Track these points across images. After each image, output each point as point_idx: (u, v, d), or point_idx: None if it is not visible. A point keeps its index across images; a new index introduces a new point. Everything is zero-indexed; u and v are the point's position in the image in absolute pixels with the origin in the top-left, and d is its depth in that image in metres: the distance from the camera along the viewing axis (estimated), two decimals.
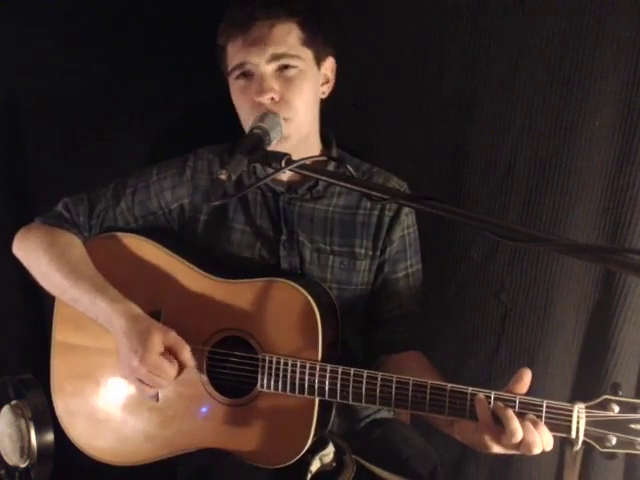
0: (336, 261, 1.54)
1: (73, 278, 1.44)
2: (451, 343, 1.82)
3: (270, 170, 1.21)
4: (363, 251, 1.55)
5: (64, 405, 1.53)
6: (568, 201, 1.62)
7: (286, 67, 1.42)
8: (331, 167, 1.50)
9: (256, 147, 1.21)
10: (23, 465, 1.59)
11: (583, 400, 1.21)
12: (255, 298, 1.41)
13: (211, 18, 1.61)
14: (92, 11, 1.82)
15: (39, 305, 1.93)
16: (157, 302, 1.46)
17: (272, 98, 1.40)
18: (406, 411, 1.32)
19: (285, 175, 1.53)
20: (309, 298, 1.37)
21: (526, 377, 1.25)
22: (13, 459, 1.60)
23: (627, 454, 1.20)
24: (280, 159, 1.18)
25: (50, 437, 1.57)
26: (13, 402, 1.60)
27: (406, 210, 1.57)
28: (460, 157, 1.74)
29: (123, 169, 1.60)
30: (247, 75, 1.43)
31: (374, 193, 1.15)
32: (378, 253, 1.56)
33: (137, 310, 1.40)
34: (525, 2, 1.59)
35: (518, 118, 1.65)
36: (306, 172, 1.20)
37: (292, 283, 1.39)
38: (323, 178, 1.22)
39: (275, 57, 1.40)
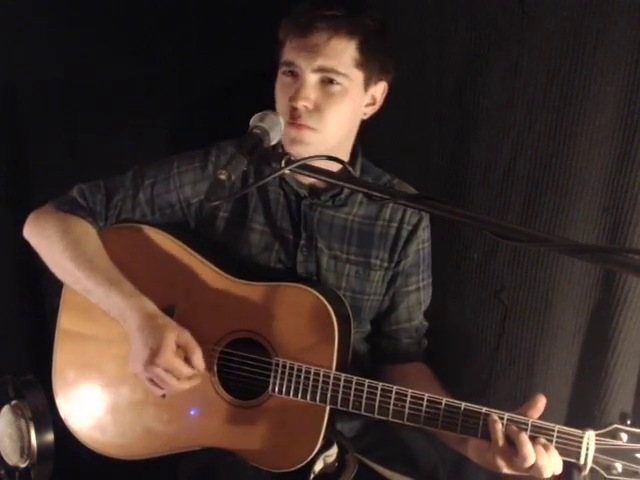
0: (352, 270, 1.54)
1: (88, 269, 1.42)
2: (451, 343, 1.82)
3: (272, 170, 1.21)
4: (378, 262, 1.55)
5: (65, 393, 1.52)
6: (568, 201, 1.62)
7: (331, 81, 1.40)
8: (357, 172, 1.51)
9: (256, 147, 1.21)
10: (23, 465, 1.58)
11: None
12: (272, 301, 1.41)
13: (211, 15, 1.61)
14: (92, 10, 1.82)
15: (39, 305, 1.93)
16: (171, 297, 1.45)
17: (305, 106, 1.39)
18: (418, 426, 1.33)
19: (308, 179, 1.52)
20: (328, 307, 1.37)
21: (540, 403, 1.26)
22: (13, 459, 1.60)
23: None
24: (280, 159, 1.18)
25: (50, 437, 1.57)
26: (13, 402, 1.60)
27: (423, 225, 1.58)
28: (460, 157, 1.74)
29: (123, 169, 1.60)
30: (293, 74, 1.42)
31: (374, 193, 1.15)
32: (393, 265, 1.57)
33: (152, 307, 1.39)
34: (525, 2, 1.59)
35: (518, 118, 1.64)
36: (307, 172, 1.20)
37: (311, 289, 1.39)
38: (324, 178, 1.22)
39: (322, 69, 1.39)
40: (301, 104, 1.39)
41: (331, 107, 1.40)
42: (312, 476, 1.39)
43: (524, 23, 1.60)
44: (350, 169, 1.21)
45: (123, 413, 1.48)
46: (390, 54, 1.49)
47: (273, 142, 1.27)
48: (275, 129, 1.28)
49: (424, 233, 1.59)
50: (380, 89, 1.51)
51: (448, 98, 1.73)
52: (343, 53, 1.39)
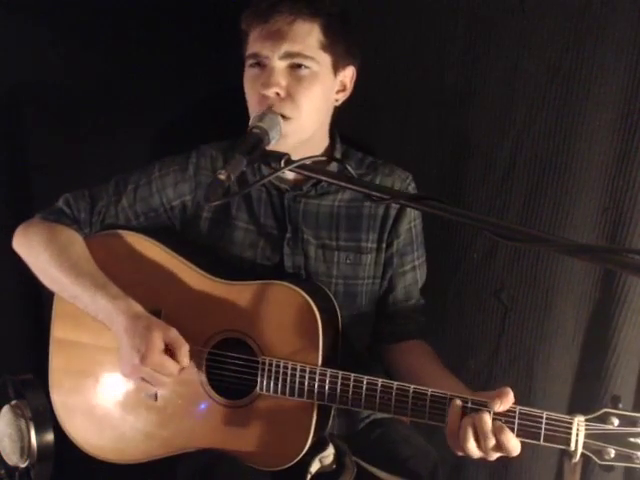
0: (342, 256, 1.53)
1: (73, 275, 1.43)
2: (451, 343, 1.82)
3: (270, 170, 1.21)
4: (369, 244, 1.54)
5: (62, 401, 1.53)
6: (568, 201, 1.62)
7: (299, 66, 1.39)
8: (333, 166, 1.49)
9: (255, 147, 1.21)
10: (23, 465, 1.58)
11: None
12: (256, 300, 1.41)
13: (211, 16, 1.60)
14: (92, 10, 1.82)
15: (38, 304, 1.93)
16: (157, 302, 1.45)
17: (277, 93, 1.38)
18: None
19: (290, 173, 1.51)
20: (310, 302, 1.37)
21: (505, 398, 1.22)
22: (13, 459, 1.60)
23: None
24: (279, 159, 1.18)
25: (50, 437, 1.57)
26: (13, 402, 1.60)
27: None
28: (460, 157, 1.74)
29: (123, 169, 1.60)
30: (260, 65, 1.41)
31: (374, 193, 1.15)
32: (384, 246, 1.56)
33: (138, 308, 1.40)
34: (525, 2, 1.59)
35: (518, 118, 1.65)
36: (306, 172, 1.20)
37: (293, 286, 1.39)
38: (324, 178, 1.22)
39: (289, 55, 1.38)
40: (272, 91, 1.37)
41: (303, 92, 1.39)
42: (309, 477, 1.38)
43: (524, 23, 1.60)
44: (350, 169, 1.21)
45: (119, 418, 1.49)
46: (354, 39, 1.48)
47: (273, 142, 1.28)
48: (274, 129, 1.29)
49: (413, 211, 1.57)
50: (349, 74, 1.50)
51: (448, 97, 1.73)
52: (308, 36, 1.39)
